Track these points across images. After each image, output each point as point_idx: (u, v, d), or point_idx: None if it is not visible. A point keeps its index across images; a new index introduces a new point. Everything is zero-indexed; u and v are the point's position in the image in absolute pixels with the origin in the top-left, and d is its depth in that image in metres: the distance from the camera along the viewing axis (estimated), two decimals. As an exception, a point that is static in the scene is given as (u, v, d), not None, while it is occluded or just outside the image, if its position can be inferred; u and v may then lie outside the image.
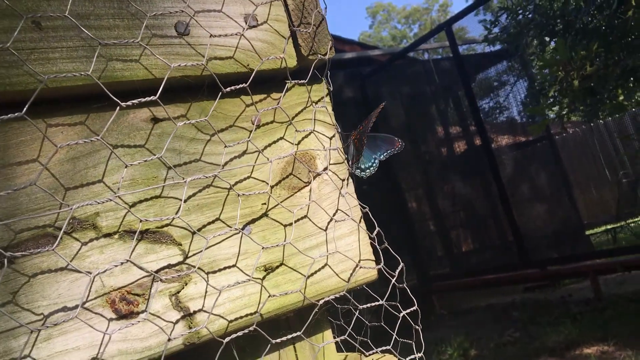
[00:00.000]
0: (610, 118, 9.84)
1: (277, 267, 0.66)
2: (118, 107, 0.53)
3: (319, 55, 0.71)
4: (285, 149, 0.70)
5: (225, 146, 0.64)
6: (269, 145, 0.69)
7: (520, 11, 3.95)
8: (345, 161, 0.73)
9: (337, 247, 0.70)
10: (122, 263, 0.57)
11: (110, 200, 0.55)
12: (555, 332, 4.49)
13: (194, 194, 0.63)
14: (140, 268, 0.57)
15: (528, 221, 6.66)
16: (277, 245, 0.66)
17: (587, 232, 7.46)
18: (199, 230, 0.62)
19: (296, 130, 0.69)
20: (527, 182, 7.13)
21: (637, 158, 9.15)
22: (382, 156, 0.81)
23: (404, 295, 0.70)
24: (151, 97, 0.55)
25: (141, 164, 0.60)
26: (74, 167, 0.57)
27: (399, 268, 0.69)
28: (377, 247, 0.71)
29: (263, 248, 0.64)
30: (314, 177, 0.71)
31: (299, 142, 0.71)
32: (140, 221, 0.58)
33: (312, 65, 0.70)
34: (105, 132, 0.59)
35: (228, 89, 0.60)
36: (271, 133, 0.69)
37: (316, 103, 0.73)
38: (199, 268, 0.61)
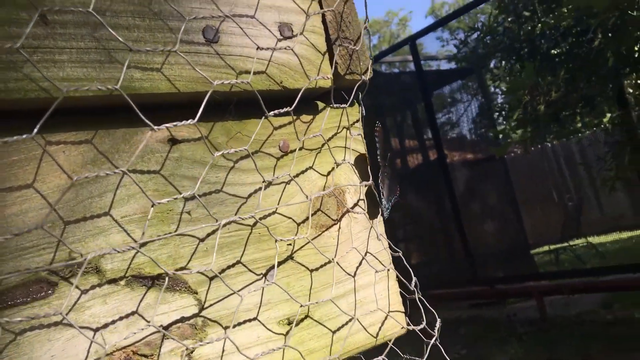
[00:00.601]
0: (557, 142, 10.16)
1: (302, 320, 0.57)
2: (150, 131, 0.43)
3: (357, 75, 0.62)
4: (314, 181, 0.61)
5: (264, 179, 0.54)
6: (297, 175, 0.60)
7: (489, 33, 3.99)
8: (377, 196, 0.65)
9: (365, 296, 0.61)
10: (128, 316, 0.47)
11: (131, 249, 0.44)
12: (501, 352, 4.53)
13: (213, 232, 0.53)
14: (150, 323, 0.47)
15: (477, 238, 6.75)
16: (303, 296, 0.57)
17: (532, 252, 7.63)
18: (220, 274, 0.52)
19: (335, 163, 0.60)
20: (478, 199, 7.24)
21: (582, 183, 9.48)
22: (393, 200, 0.70)
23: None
24: (189, 121, 0.44)
25: (155, 193, 0.50)
26: (76, 196, 0.46)
27: (437, 325, 0.61)
28: (417, 299, 0.63)
29: (293, 299, 0.55)
30: (343, 214, 0.62)
31: (329, 173, 0.62)
32: (157, 265, 0.47)
33: (352, 86, 0.61)
34: (115, 153, 0.48)
35: (271, 113, 0.51)
36: (299, 161, 0.60)
37: (348, 129, 0.65)
38: (216, 322, 0.51)
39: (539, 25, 4.10)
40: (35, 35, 0.43)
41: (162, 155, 0.51)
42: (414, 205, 7.35)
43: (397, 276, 0.65)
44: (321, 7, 0.60)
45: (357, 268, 0.62)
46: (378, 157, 0.69)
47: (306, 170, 0.60)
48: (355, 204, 0.63)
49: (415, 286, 0.63)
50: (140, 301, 0.48)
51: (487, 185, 7.28)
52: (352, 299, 0.61)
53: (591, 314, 4.90)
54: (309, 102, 0.62)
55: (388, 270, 0.64)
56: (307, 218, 0.59)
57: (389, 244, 0.64)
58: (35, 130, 0.37)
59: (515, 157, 10.39)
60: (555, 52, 4.03)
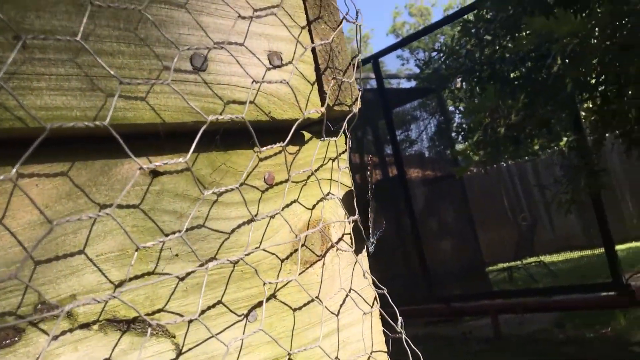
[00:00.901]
0: (512, 162, 10.43)
1: (285, 362, 0.54)
2: (138, 171, 0.39)
3: (346, 107, 0.61)
4: (299, 215, 0.58)
5: (252, 216, 0.52)
6: (282, 209, 0.57)
7: (451, 54, 4.06)
8: (364, 231, 0.63)
9: (349, 336, 0.59)
10: (101, 364, 0.43)
11: (114, 297, 0.40)
12: (457, 370, 4.57)
13: (193, 271, 0.50)
14: (126, 371, 0.44)
15: (435, 256, 6.82)
16: (285, 337, 0.54)
17: (487, 270, 7.77)
18: (198, 316, 0.49)
19: (323, 197, 0.58)
20: (436, 217, 7.33)
21: (536, 203, 9.73)
22: (377, 235, 0.68)
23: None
24: (181, 159, 0.41)
25: (133, 229, 0.47)
26: (48, 233, 0.42)
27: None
28: (403, 340, 0.60)
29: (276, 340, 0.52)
30: (328, 250, 0.60)
31: (314, 206, 0.60)
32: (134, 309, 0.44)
33: (340, 117, 0.60)
34: (93, 187, 0.45)
35: (264, 149, 0.48)
36: (284, 194, 0.58)
37: (334, 160, 0.62)
38: (196, 368, 0.48)
39: (500, 49, 4.21)
40: (12, 60, 0.39)
41: (143, 189, 0.48)
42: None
43: (380, 314, 0.63)
44: (311, 36, 0.58)
45: (341, 306, 0.60)
46: (369, 191, 0.67)
47: (291, 203, 0.58)
48: (340, 239, 0.61)
49: (401, 326, 0.61)
50: (114, 347, 0.44)
51: (445, 203, 7.39)
52: (335, 339, 0.58)
53: (544, 333, 5.00)
54: (296, 132, 0.60)
55: (372, 307, 0.62)
56: (291, 254, 0.56)
57: (373, 280, 0.62)
58: (14, 170, 0.34)
59: (471, 175, 10.60)
60: (515, 75, 4.13)
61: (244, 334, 0.51)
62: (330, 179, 0.62)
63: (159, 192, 0.49)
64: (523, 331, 5.20)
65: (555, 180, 3.51)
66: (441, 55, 4.07)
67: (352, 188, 0.63)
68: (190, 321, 0.49)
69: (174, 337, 0.47)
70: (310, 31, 0.59)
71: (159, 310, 0.47)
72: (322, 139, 0.56)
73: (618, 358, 4.02)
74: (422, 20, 21.97)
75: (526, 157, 9.98)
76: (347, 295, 0.60)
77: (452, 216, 7.41)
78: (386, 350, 0.62)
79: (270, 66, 0.55)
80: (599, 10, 3.38)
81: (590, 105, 3.73)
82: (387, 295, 0.61)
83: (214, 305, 0.50)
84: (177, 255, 0.49)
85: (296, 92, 0.57)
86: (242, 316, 0.52)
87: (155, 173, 0.49)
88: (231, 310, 0.51)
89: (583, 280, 6.83)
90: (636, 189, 9.24)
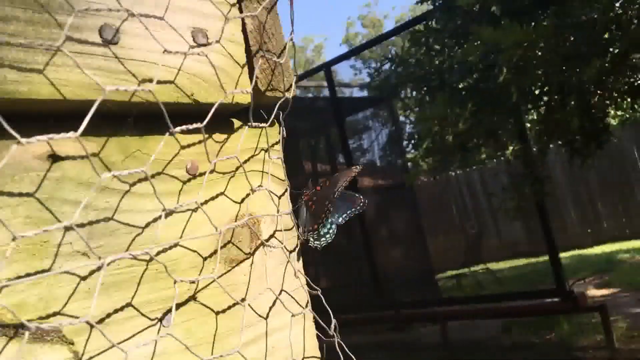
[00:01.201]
0: (460, 171, 10.64)
1: (205, 371, 0.48)
2: (14, 146, 0.33)
3: (279, 92, 0.56)
4: (226, 209, 0.53)
5: (164, 208, 0.46)
6: (206, 202, 0.52)
7: (401, 64, 4.09)
8: (295, 227, 0.58)
9: (278, 341, 0.54)
10: (-21, 377, 0.37)
11: None
12: (405, 377, 4.57)
13: (98, 269, 0.44)
14: (10, 385, 0.37)
15: (385, 263, 6.85)
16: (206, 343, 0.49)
17: (436, 277, 7.86)
18: (102, 320, 0.43)
19: (252, 189, 0.53)
20: (386, 225, 7.37)
21: (483, 211, 9.94)
22: (342, 219, 0.66)
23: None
24: (70, 134, 0.36)
25: (26, 221, 0.41)
26: None
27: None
28: (337, 344, 0.56)
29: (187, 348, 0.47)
30: (257, 247, 0.55)
31: (243, 200, 0.55)
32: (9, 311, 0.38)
33: (274, 103, 0.55)
34: (-25, 170, 0.39)
35: (178, 129, 0.43)
36: (209, 186, 0.53)
37: (266, 151, 0.58)
38: (98, 379, 0.42)
39: (449, 59, 4.27)
40: None
41: (39, 175, 0.42)
42: (324, 229, 7.34)
43: (314, 317, 0.58)
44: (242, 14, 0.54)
45: (271, 309, 0.55)
46: (317, 185, 0.63)
47: (217, 196, 0.53)
48: (272, 236, 0.56)
49: (335, 329, 0.57)
50: (-1, 356, 0.38)
51: (396, 211, 7.44)
52: (263, 345, 0.53)
53: (491, 339, 5.07)
54: (224, 119, 0.55)
55: (305, 310, 0.57)
56: (216, 251, 0.51)
57: (307, 280, 0.58)
58: None
59: (421, 184, 10.75)
60: (463, 85, 4.19)
61: (156, 341, 0.46)
62: (262, 171, 0.57)
63: (59, 180, 0.43)
64: (471, 337, 5.26)
65: (502, 188, 3.56)
66: (391, 64, 4.09)
67: (286, 181, 0.58)
68: (93, 326, 0.43)
69: (72, 343, 0.41)
70: (240, 9, 0.54)
71: (55, 314, 0.41)
72: (250, 124, 0.51)
73: (561, 363, 4.11)
74: (374, 31, 22.26)
75: (474, 167, 10.19)
76: (277, 297, 0.55)
77: (403, 224, 7.47)
78: (319, 356, 0.57)
79: (194, 44, 0.50)
80: (544, 22, 3.47)
81: (535, 116, 3.83)
82: (322, 297, 0.56)
83: (122, 308, 0.45)
84: (79, 251, 0.43)
85: (223, 74, 0.52)
86: (156, 320, 0.46)
87: (54, 158, 0.43)
88: (142, 314, 0.46)
89: (528, 287, 7.01)
90: (578, 198, 9.57)
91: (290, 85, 0.57)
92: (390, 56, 4.01)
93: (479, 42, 3.46)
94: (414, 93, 4.11)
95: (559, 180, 9.56)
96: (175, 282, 0.42)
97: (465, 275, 8.01)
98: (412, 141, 5.12)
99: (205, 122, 0.44)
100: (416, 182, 10.39)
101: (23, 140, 0.32)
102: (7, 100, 0.39)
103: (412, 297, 6.54)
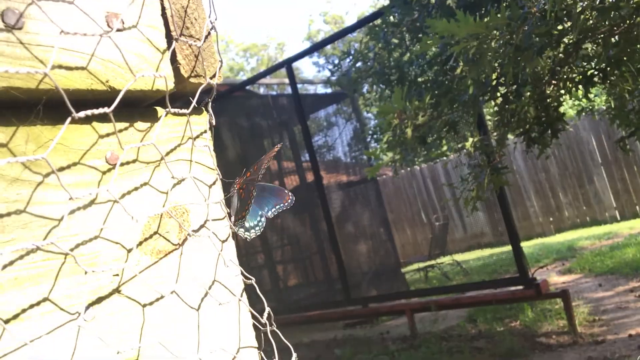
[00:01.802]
0: (424, 164, 10.76)
1: (130, 366, 0.47)
2: None
3: (203, 79, 0.55)
4: (151, 199, 0.52)
5: (70, 196, 0.44)
6: (129, 192, 0.50)
7: (361, 58, 4.11)
8: (227, 217, 0.57)
9: (211, 333, 0.53)
10: None
11: None
12: (374, 370, 4.60)
13: (10, 262, 0.42)
14: None
15: (351, 259, 6.88)
16: (132, 339, 0.47)
17: (403, 270, 7.93)
18: (16, 317, 0.41)
19: (173, 177, 0.52)
20: (352, 220, 7.40)
21: (447, 204, 10.07)
22: (270, 212, 0.66)
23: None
24: None
25: None
26: None
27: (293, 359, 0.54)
28: (269, 332, 0.55)
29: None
30: (186, 238, 0.54)
31: (169, 190, 0.53)
32: None
33: (195, 90, 0.54)
34: None
35: (81, 114, 0.41)
36: (132, 176, 0.51)
37: (194, 139, 0.56)
38: (10, 378, 0.40)
39: (407, 52, 4.30)
40: None
41: (-61, 166, 0.40)
42: (291, 226, 7.35)
43: (249, 307, 0.57)
44: (161, -1, 0.52)
45: (202, 300, 0.53)
46: (248, 171, 0.62)
47: (141, 186, 0.51)
48: (202, 226, 0.55)
49: (269, 318, 0.56)
50: None
51: (361, 206, 7.47)
52: (195, 338, 0.52)
53: (457, 329, 5.14)
54: (146, 108, 0.53)
55: (239, 300, 0.56)
56: (141, 243, 0.50)
57: (240, 270, 0.57)
58: None
59: (386, 179, 10.83)
60: (422, 79, 4.23)
61: (77, 336, 0.44)
62: (190, 160, 0.56)
63: (-37, 171, 0.41)
64: (438, 328, 5.33)
65: (462, 179, 3.61)
66: (351, 59, 4.10)
67: (216, 169, 0.57)
68: (7, 322, 0.41)
69: (-18, 342, 0.40)
70: (159, -7, 0.53)
71: (-39, 312, 0.39)
72: (168, 110, 0.50)
73: (526, 349, 4.19)
74: (336, 27, 22.31)
75: (437, 160, 10.32)
76: (210, 288, 0.54)
77: (368, 219, 7.50)
78: (256, 345, 0.56)
79: (109, 29, 0.48)
80: (498, 15, 3.53)
81: (493, 106, 3.88)
82: (256, 286, 0.55)
83: (38, 304, 0.43)
84: (-13, 246, 0.41)
85: (142, 60, 0.50)
86: (77, 314, 0.45)
87: (-43, 148, 0.41)
88: (61, 309, 0.44)
89: (493, 276, 7.14)
90: (540, 188, 9.78)
91: (216, 72, 0.56)
92: (350, 51, 4.01)
93: (435, 34, 3.50)
94: (374, 87, 4.13)
95: (521, 171, 9.76)
96: (85, 272, 0.41)
97: (432, 267, 8.10)
98: (375, 135, 5.16)
99: (112, 107, 0.43)
100: (381, 177, 10.48)
101: None
102: None
103: (379, 291, 6.59)
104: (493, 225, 9.97)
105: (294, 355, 0.56)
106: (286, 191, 0.67)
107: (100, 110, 0.42)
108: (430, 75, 4.27)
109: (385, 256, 7.42)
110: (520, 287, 4.58)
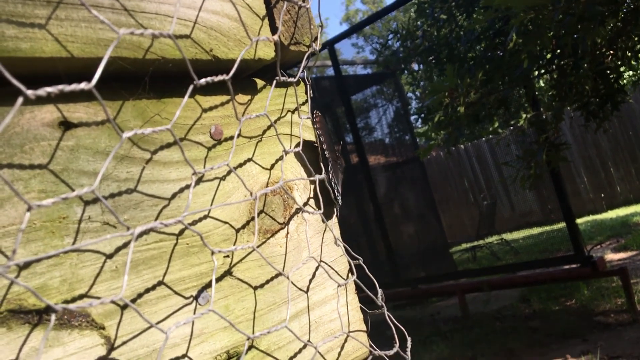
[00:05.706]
0: (469, 143, 10.54)
1: (247, 351, 0.44)
2: (20, 99, 0.29)
3: (303, 46, 0.51)
4: (255, 176, 0.49)
5: (194, 171, 0.42)
6: (235, 168, 0.47)
7: (409, 37, 4.00)
8: (332, 193, 0.54)
9: (321, 315, 0.50)
10: (2, 369, 0.33)
11: (14, 282, 0.30)
12: (427, 351, 4.56)
13: (125, 245, 0.40)
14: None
15: (399, 240, 6.82)
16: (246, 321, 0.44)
17: (450, 251, 7.82)
18: (133, 301, 0.39)
19: (281, 153, 0.48)
20: (398, 201, 7.33)
21: (494, 182, 9.86)
22: (339, 188, 0.60)
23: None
24: (83, 85, 0.31)
25: (40, 195, 0.36)
26: None
27: (408, 346, 0.51)
28: (386, 316, 0.52)
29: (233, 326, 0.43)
30: (292, 216, 0.51)
31: (272, 166, 0.50)
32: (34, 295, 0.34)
33: (297, 59, 0.50)
34: (-20, 140, 0.34)
35: (202, 81, 0.38)
36: (236, 151, 0.48)
37: (293, 112, 0.53)
38: (133, 365, 0.38)
39: (456, 28, 4.18)
40: None
41: (51, 144, 0.37)
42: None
43: (356, 289, 0.54)
44: (258, -39, 0.48)
45: (310, 281, 0.50)
46: (324, 149, 0.58)
47: (245, 162, 0.48)
48: (306, 203, 0.52)
49: (383, 300, 0.52)
50: (22, 345, 0.34)
51: (406, 187, 7.39)
52: (305, 320, 0.49)
53: (510, 309, 5.04)
54: (245, 79, 0.50)
55: (345, 281, 0.53)
56: (248, 222, 0.47)
57: (346, 249, 0.53)
58: None
59: (430, 159, 10.66)
60: (472, 55, 4.11)
61: (193, 321, 0.42)
62: (291, 134, 0.52)
63: (73, 149, 0.38)
64: (490, 308, 5.23)
65: (516, 157, 3.49)
66: (398, 36, 4.00)
67: (317, 142, 0.53)
68: (124, 308, 0.39)
69: (103, 328, 0.37)
70: (256, -44, 0.49)
71: (81, 296, 0.37)
72: (277, 78, 0.46)
73: (583, 328, 4.07)
74: (374, 7, 21.99)
75: (490, 136, 10.07)
76: (317, 268, 0.51)
77: (414, 200, 7.42)
78: (365, 329, 0.53)
79: (210, -6, 0.45)
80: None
81: (542, 84, 3.74)
82: (364, 266, 0.52)
83: (153, 288, 0.40)
84: (102, 226, 0.38)
85: (243, 27, 0.47)
86: (191, 298, 0.42)
87: (67, 125, 0.38)
88: (176, 292, 0.41)
89: (544, 255, 6.96)
90: (590, 163, 9.47)
91: (316, 37, 0.52)
92: (396, 30, 3.92)
93: (488, 9, 3.38)
94: (422, 66, 4.03)
95: (570, 147, 9.45)
96: (212, 252, 0.38)
97: (480, 247, 7.96)
98: (421, 115, 5.06)
99: (231, 74, 0.40)
100: (425, 157, 10.33)
101: (29, 92, 0.28)
102: (7, 58, 0.34)
103: (427, 272, 6.52)
104: (542, 203, 9.71)
105: (409, 339, 0.52)
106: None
107: (220, 78, 0.38)
108: (479, 51, 4.14)
109: (432, 237, 7.33)
110: (576, 266, 4.44)
